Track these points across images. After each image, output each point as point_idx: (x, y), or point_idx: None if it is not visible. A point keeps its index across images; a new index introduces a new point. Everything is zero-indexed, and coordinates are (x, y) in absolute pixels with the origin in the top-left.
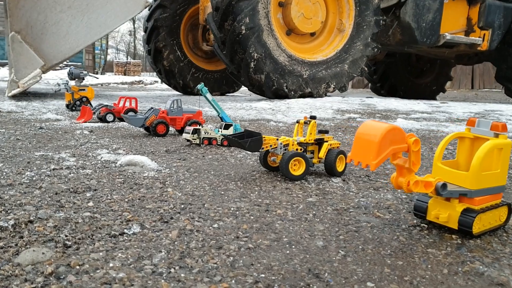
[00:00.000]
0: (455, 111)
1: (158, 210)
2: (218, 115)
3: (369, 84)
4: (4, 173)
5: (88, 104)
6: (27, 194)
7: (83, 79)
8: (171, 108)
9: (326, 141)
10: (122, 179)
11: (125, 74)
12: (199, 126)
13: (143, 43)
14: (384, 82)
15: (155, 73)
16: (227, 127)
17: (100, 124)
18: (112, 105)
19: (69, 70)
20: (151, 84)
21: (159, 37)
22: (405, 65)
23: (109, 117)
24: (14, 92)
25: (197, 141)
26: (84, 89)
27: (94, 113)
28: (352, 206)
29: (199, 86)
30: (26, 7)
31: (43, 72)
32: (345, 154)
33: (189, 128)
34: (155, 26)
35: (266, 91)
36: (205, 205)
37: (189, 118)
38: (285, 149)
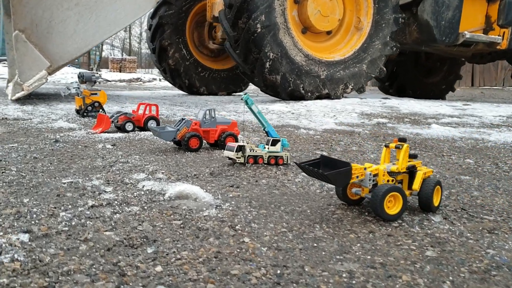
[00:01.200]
0: (483, 114)
1: (249, 279)
2: (264, 129)
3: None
4: (34, 215)
5: (101, 110)
6: (71, 252)
7: (95, 82)
8: (204, 119)
9: (419, 169)
10: (181, 222)
11: (120, 71)
12: (235, 139)
13: (147, 41)
14: (392, 81)
15: (151, 70)
16: (274, 143)
17: (119, 134)
18: (131, 112)
19: (80, 73)
20: (149, 81)
21: (164, 35)
22: (414, 64)
23: (129, 126)
24: (18, 95)
25: (242, 160)
26: (96, 93)
27: (112, 121)
28: (489, 264)
29: (244, 97)
30: (30, 4)
31: (49, 74)
32: (441, 185)
33: (232, 145)
34: (160, 24)
35: (281, 92)
36: (305, 269)
37: (224, 130)
38: (374, 181)
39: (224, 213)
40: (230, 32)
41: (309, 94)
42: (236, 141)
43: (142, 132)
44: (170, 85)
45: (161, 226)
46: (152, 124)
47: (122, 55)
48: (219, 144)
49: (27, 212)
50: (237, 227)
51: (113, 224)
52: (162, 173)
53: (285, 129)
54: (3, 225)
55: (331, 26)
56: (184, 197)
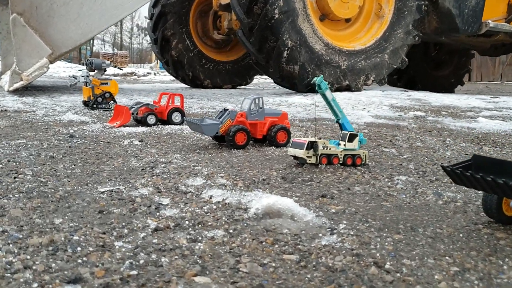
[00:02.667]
0: None
1: None
2: (337, 121)
3: None
4: (78, 247)
5: (113, 101)
6: None
7: (105, 70)
8: (251, 110)
9: None
10: (297, 257)
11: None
12: (287, 133)
13: (148, 31)
14: (401, 74)
15: (143, 65)
16: (351, 138)
17: (142, 128)
18: (153, 103)
19: (88, 60)
20: (144, 76)
21: (167, 24)
22: (423, 57)
23: (151, 119)
24: (16, 85)
25: (313, 160)
26: (106, 83)
27: (132, 113)
28: None
29: (317, 80)
30: None
31: (51, 62)
32: None
33: (300, 141)
34: (162, 13)
35: (299, 84)
36: None
37: (274, 123)
38: None
39: (349, 241)
40: (244, 19)
41: (329, 85)
42: (288, 135)
43: (167, 126)
44: (166, 78)
45: (273, 265)
46: (177, 117)
47: (113, 50)
48: (268, 140)
49: (65, 242)
50: (386, 266)
51: (200, 262)
52: (222, 177)
53: (322, 123)
54: (34, 267)
55: (351, 13)
56: (276, 214)
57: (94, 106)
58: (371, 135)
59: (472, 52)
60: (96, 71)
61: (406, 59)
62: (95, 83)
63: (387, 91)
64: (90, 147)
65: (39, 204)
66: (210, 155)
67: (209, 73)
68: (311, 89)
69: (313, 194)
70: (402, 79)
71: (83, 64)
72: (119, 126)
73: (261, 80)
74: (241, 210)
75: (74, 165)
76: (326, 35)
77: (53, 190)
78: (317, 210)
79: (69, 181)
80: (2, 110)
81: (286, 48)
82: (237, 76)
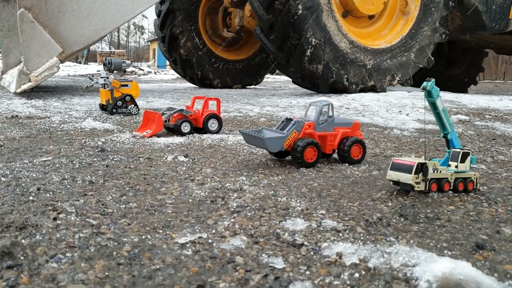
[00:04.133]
0: None
1: None
2: (444, 135)
3: None
4: None
5: (133, 106)
6: None
7: (125, 71)
8: (319, 120)
9: None
10: None
11: None
12: (363, 147)
13: (155, 29)
14: (414, 73)
15: (140, 64)
16: (464, 157)
17: (178, 139)
18: (185, 108)
19: (107, 59)
20: (144, 75)
21: (175, 21)
22: (436, 55)
23: (185, 127)
24: (24, 87)
25: (422, 187)
26: (126, 85)
27: (165, 121)
28: None
29: (428, 85)
30: None
31: (61, 62)
32: None
33: (405, 162)
34: (170, 9)
35: (321, 84)
36: None
37: (346, 135)
38: None
39: None
40: (263, 15)
41: (353, 86)
42: (364, 150)
43: (205, 136)
44: (167, 77)
45: None
46: (213, 124)
47: (110, 49)
48: (339, 155)
49: None
50: None
51: None
52: (323, 215)
53: (366, 129)
54: None
55: (375, 9)
56: None
57: (114, 110)
58: (436, 146)
59: (485, 51)
60: (115, 71)
61: (433, 58)
62: (114, 85)
63: (412, 92)
64: (131, 166)
65: (106, 273)
66: (280, 177)
67: (218, 72)
68: (334, 89)
69: (460, 243)
70: (414, 78)
71: (79, 63)
72: (150, 136)
73: (270, 80)
74: (402, 282)
75: (124, 195)
76: (351, 33)
77: (116, 244)
78: (502, 277)
79: (129, 225)
80: (13, 116)
81: (310, 46)
82: (247, 76)
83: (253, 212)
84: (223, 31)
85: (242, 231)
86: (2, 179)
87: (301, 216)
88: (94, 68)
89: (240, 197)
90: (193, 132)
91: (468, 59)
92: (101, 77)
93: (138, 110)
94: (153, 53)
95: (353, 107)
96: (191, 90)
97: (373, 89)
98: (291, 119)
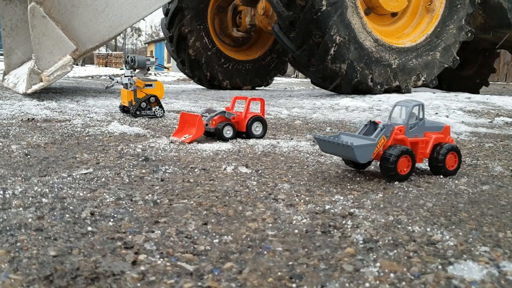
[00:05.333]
0: None
1: None
2: None
3: None
4: None
5: (158, 107)
6: None
7: (149, 69)
8: (409, 123)
9: None
10: None
11: (106, 66)
12: (459, 156)
13: (162, 28)
14: None
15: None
16: None
17: (224, 145)
18: (228, 111)
19: (130, 57)
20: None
21: (184, 21)
22: None
23: (227, 132)
24: (35, 87)
25: None
26: (151, 85)
27: (206, 124)
28: None
29: None
30: None
31: (75, 60)
32: None
33: None
34: (179, 8)
35: (344, 85)
36: None
37: (439, 141)
38: None
39: None
40: (283, 12)
41: (378, 87)
42: (459, 158)
43: (251, 141)
44: (168, 79)
45: None
46: (257, 128)
47: (107, 51)
48: (433, 166)
49: None
50: None
51: None
52: (488, 252)
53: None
54: None
55: (399, 6)
56: None
57: (137, 112)
58: (494, 150)
59: (497, 51)
60: (138, 70)
61: (458, 58)
62: (138, 85)
63: (437, 93)
64: (190, 180)
65: None
66: (379, 195)
67: (228, 73)
68: (357, 90)
69: None
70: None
71: (76, 64)
72: (190, 142)
73: (278, 80)
74: None
75: (206, 223)
76: (375, 31)
77: None
78: None
79: (240, 273)
80: (29, 119)
81: (334, 44)
82: (257, 76)
83: (394, 251)
84: (233, 30)
85: (403, 283)
86: (43, 200)
87: (465, 257)
88: (93, 70)
89: (356, 226)
90: (235, 138)
91: (480, 60)
92: (125, 76)
93: (164, 112)
94: (150, 55)
95: (384, 108)
96: (203, 91)
97: (398, 90)
98: (376, 122)
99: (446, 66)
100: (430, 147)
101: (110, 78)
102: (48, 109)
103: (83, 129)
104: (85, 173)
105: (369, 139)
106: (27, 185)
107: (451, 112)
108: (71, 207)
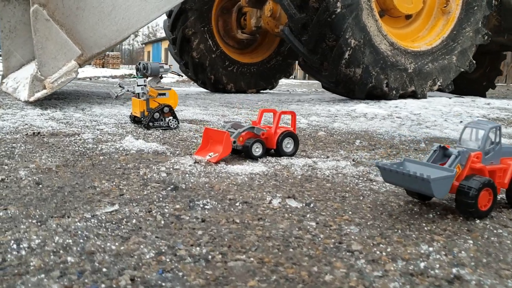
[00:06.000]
0: None
1: None
2: None
3: None
4: None
5: (172, 118)
6: None
7: (162, 77)
8: (485, 146)
9: None
10: None
11: (103, 67)
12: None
13: (165, 30)
14: None
15: (133, 66)
16: None
17: (256, 166)
18: (256, 125)
19: (142, 64)
20: None
21: (187, 22)
22: None
23: (257, 150)
24: (38, 95)
25: None
26: (164, 94)
27: (234, 142)
28: None
29: None
30: None
31: (80, 66)
32: None
33: None
34: (182, 9)
35: (358, 90)
36: None
37: None
38: None
39: None
40: (295, 14)
41: (393, 92)
42: None
43: (285, 161)
44: (166, 81)
45: None
46: (288, 144)
47: None
48: (510, 197)
49: None
50: None
51: None
52: None
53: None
54: None
55: (414, 8)
56: None
57: (150, 124)
58: None
59: (504, 53)
60: (151, 77)
61: (474, 61)
62: (151, 94)
63: (453, 98)
64: (235, 219)
65: None
66: (468, 243)
67: (232, 76)
68: (371, 95)
69: None
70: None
71: None
72: (217, 162)
73: (280, 83)
74: None
75: None
76: (390, 34)
77: None
78: None
79: None
80: (34, 132)
81: (349, 48)
82: (262, 80)
83: None
84: (237, 32)
85: None
86: (68, 258)
87: None
88: (91, 71)
89: None
90: (264, 156)
91: (487, 62)
92: (138, 85)
93: (178, 123)
94: (147, 55)
95: (405, 116)
96: (207, 95)
97: (413, 95)
98: (445, 147)
99: (463, 70)
100: (510, 176)
101: (120, 86)
102: (53, 120)
103: (95, 146)
104: (110, 212)
105: (445, 170)
106: (45, 232)
107: (475, 119)
108: (104, 269)
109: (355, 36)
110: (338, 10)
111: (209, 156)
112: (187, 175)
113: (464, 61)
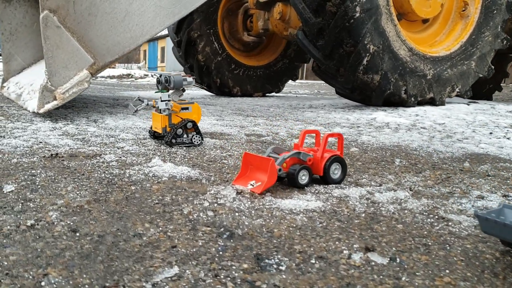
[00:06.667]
0: None
1: None
2: None
3: None
4: None
5: (195, 134)
6: None
7: (184, 90)
8: None
9: None
10: None
11: None
12: None
13: (169, 32)
14: None
15: (131, 65)
16: None
17: (309, 201)
18: (303, 150)
19: (164, 77)
20: (141, 78)
21: (193, 24)
22: None
23: (303, 177)
24: (48, 106)
25: None
26: (187, 108)
27: (279, 169)
28: None
29: None
30: None
31: (92, 75)
32: None
33: None
34: None
35: (375, 97)
36: None
37: None
38: None
39: None
40: (310, 18)
41: (412, 99)
42: None
43: (337, 191)
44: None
45: None
46: (336, 170)
47: None
48: None
49: None
50: None
51: None
52: None
53: (498, 165)
54: None
55: (432, 12)
56: None
57: (173, 141)
58: None
59: (510, 55)
60: (173, 90)
61: (493, 67)
62: (175, 109)
63: (472, 105)
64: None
65: None
66: None
67: (238, 79)
68: (388, 102)
69: None
70: None
71: None
72: (261, 192)
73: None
74: None
75: None
76: (409, 39)
77: None
78: None
79: None
80: (52, 154)
81: (367, 54)
82: (268, 83)
83: None
84: (243, 34)
85: None
86: None
87: None
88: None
89: None
90: (311, 184)
91: (494, 65)
92: (161, 100)
93: (202, 140)
94: (143, 54)
95: (429, 126)
96: (214, 99)
97: (431, 102)
98: None
99: (481, 76)
100: None
101: (139, 100)
102: (68, 136)
103: (121, 171)
104: (171, 277)
105: None
106: None
107: (504, 130)
108: None
109: (374, 42)
110: (357, 14)
111: (251, 185)
112: (236, 213)
113: (483, 66)
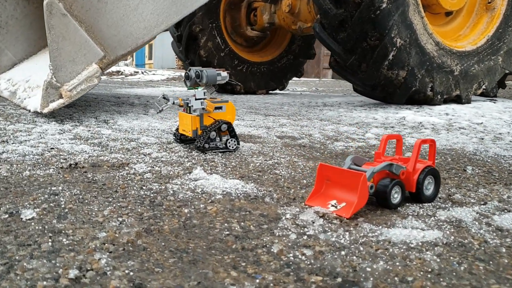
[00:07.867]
0: None
1: None
2: None
3: None
4: None
5: (230, 138)
6: None
7: (217, 87)
8: None
9: None
10: None
11: None
12: None
13: (169, 27)
14: None
15: (123, 63)
16: None
17: (427, 229)
18: (394, 162)
19: (196, 71)
20: (132, 75)
21: (194, 18)
22: None
23: (396, 196)
24: (53, 105)
25: None
26: (220, 107)
27: (371, 187)
28: None
29: None
30: None
31: (102, 71)
32: None
33: None
34: None
35: (400, 94)
36: None
37: None
38: None
39: None
40: (331, 10)
41: (438, 96)
42: None
43: (442, 213)
44: (156, 78)
45: None
46: (429, 185)
47: None
48: None
49: None
50: None
51: None
52: None
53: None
54: None
55: (458, 4)
56: None
57: (206, 146)
58: None
59: None
60: (207, 87)
61: None
62: (208, 109)
63: (497, 103)
64: None
65: None
66: None
67: (242, 76)
68: (412, 100)
69: None
70: None
71: None
72: (349, 217)
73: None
74: None
75: None
76: (435, 32)
77: None
78: None
79: None
80: (71, 164)
81: (394, 48)
82: (272, 80)
83: None
84: (247, 29)
85: None
86: None
87: None
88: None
89: None
90: (403, 203)
91: None
92: (196, 99)
93: (238, 144)
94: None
95: (467, 126)
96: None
97: (457, 100)
98: None
99: (507, 72)
100: None
101: (164, 98)
102: (81, 141)
103: (161, 186)
104: None
105: None
106: None
107: None
108: None
109: (401, 35)
110: (384, 5)
111: (333, 206)
112: (342, 252)
113: (510, 62)
